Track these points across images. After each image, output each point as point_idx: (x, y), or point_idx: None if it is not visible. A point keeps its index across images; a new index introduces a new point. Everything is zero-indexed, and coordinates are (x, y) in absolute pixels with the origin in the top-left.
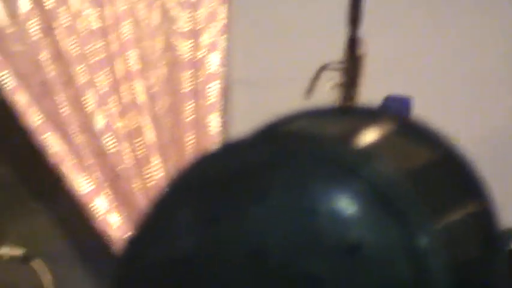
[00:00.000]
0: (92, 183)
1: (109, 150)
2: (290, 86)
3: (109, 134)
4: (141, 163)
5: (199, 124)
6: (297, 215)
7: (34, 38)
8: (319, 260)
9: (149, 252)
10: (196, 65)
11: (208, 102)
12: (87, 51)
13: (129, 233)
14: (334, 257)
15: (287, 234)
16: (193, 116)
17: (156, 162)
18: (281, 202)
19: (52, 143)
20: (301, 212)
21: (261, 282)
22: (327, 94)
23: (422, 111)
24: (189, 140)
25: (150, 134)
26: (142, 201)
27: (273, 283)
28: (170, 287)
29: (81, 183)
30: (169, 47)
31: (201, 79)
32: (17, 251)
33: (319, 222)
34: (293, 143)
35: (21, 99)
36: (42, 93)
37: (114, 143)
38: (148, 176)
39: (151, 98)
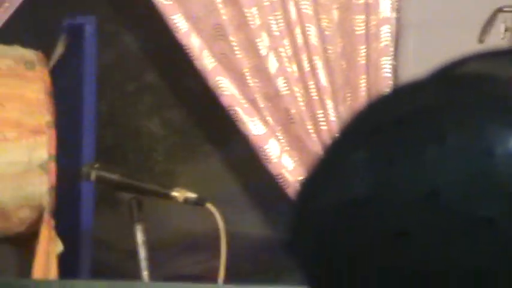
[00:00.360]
0: (264, 126)
1: (282, 93)
2: (463, 28)
3: (282, 77)
4: (314, 106)
5: (371, 67)
6: (472, 156)
7: None
8: (493, 203)
9: (323, 195)
10: (369, 8)
11: (381, 45)
12: None
13: (303, 176)
14: (508, 199)
15: (462, 175)
16: (365, 59)
17: (329, 105)
18: (456, 143)
19: (225, 86)
20: (476, 153)
21: (434, 224)
22: (500, 37)
23: None
24: (362, 83)
25: (322, 77)
26: (316, 144)
27: (446, 224)
28: (344, 229)
29: (254, 126)
30: None
31: (373, 22)
32: (190, 194)
33: (494, 164)
34: (468, 84)
35: (194, 43)
36: (215, 36)
37: (286, 86)
38: (321, 119)
39: (324, 40)
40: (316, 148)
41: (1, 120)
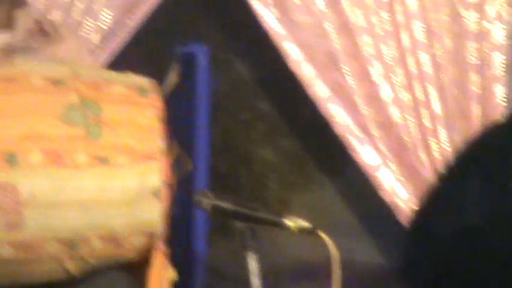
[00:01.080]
0: (377, 154)
1: (395, 121)
2: None
3: (395, 105)
4: (427, 134)
5: (485, 95)
6: None
7: (320, 8)
8: None
9: (439, 222)
10: (481, 36)
11: (494, 73)
12: (374, 23)
13: (416, 204)
14: None
15: None
16: (478, 87)
17: (442, 133)
18: None
19: (338, 114)
20: None
21: None
22: None
23: None
24: (475, 111)
25: (436, 106)
26: (429, 173)
27: None
28: (460, 256)
29: (367, 154)
30: (454, 18)
31: (486, 50)
32: (303, 222)
33: None
34: None
35: (306, 70)
36: (328, 65)
37: (400, 114)
38: (435, 147)
39: (437, 69)
40: (429, 176)
41: (113, 146)
